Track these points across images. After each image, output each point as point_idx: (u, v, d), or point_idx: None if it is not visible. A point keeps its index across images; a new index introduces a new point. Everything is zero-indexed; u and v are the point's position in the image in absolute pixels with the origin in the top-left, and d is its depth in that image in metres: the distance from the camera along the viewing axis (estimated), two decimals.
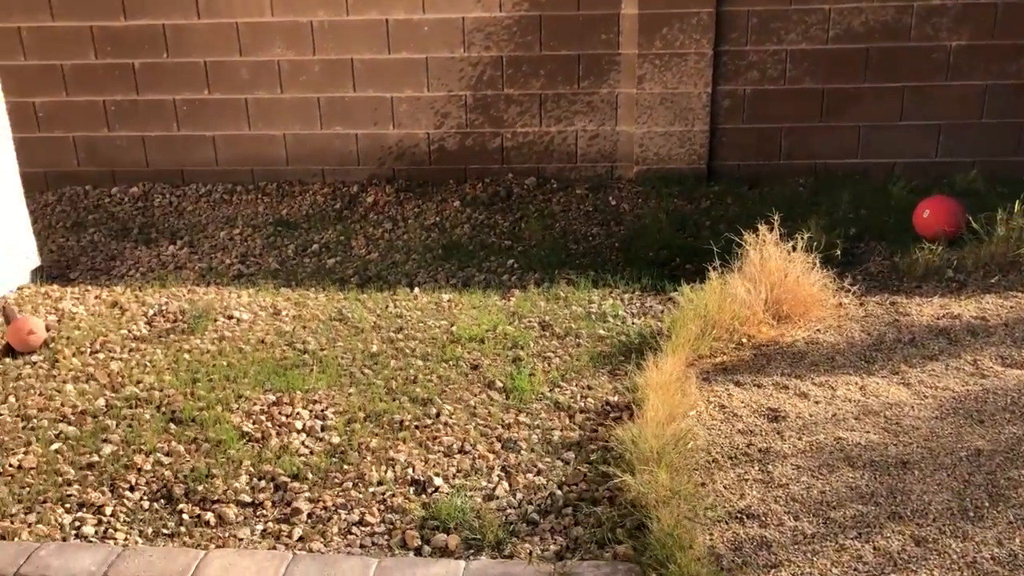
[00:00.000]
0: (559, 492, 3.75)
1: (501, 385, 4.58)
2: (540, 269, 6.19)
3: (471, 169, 7.72)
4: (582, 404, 4.42)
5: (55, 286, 6.07)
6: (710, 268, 5.84)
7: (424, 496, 3.77)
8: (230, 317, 5.46)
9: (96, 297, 5.86)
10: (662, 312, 5.49)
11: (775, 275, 5.33)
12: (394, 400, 4.46)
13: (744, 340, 5.04)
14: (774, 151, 7.62)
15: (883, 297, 5.49)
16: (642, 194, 7.33)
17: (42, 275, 6.26)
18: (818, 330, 5.13)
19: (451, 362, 4.83)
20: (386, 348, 5.00)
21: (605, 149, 7.62)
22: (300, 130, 7.71)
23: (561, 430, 4.21)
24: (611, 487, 3.74)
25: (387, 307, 5.61)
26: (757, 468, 3.89)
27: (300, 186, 7.75)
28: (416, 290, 5.89)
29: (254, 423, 4.29)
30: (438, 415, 4.32)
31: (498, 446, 4.08)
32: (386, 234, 6.94)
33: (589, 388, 4.59)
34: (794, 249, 5.46)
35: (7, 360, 4.92)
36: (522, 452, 4.04)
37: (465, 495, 3.73)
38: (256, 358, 4.90)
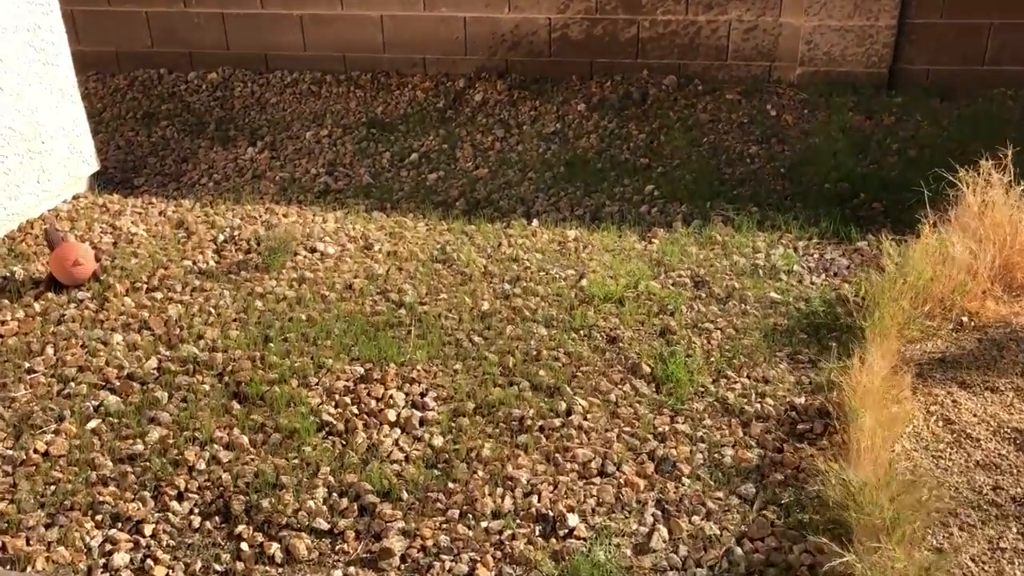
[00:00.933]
0: (739, 550, 2.75)
1: (648, 371, 3.54)
2: (687, 199, 5.02)
3: (598, 64, 6.48)
4: (758, 407, 3.35)
5: (116, 196, 5.21)
6: (911, 211, 4.61)
7: (554, 541, 2.81)
8: (313, 250, 4.51)
9: (160, 213, 4.98)
10: (848, 269, 4.31)
11: (1003, 231, 4.07)
12: (512, 385, 3.48)
13: (964, 319, 3.85)
14: (976, 54, 6.12)
15: None
16: (808, 104, 5.99)
17: (103, 181, 5.41)
18: None
19: (582, 332, 3.80)
20: (500, 306, 3.99)
21: (763, 45, 6.25)
22: (399, 11, 6.55)
23: (734, 446, 3.17)
24: (811, 548, 2.72)
25: (499, 245, 4.57)
26: (1015, 529, 2.80)
27: (398, 78, 6.65)
28: (534, 222, 4.82)
29: (336, 407, 3.39)
30: (569, 413, 3.32)
31: (650, 468, 3.08)
32: (497, 143, 5.83)
33: (765, 381, 3.51)
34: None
35: (50, 296, 4.10)
36: (683, 480, 3.03)
37: (610, 544, 2.77)
38: (342, 311, 3.96)
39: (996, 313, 3.85)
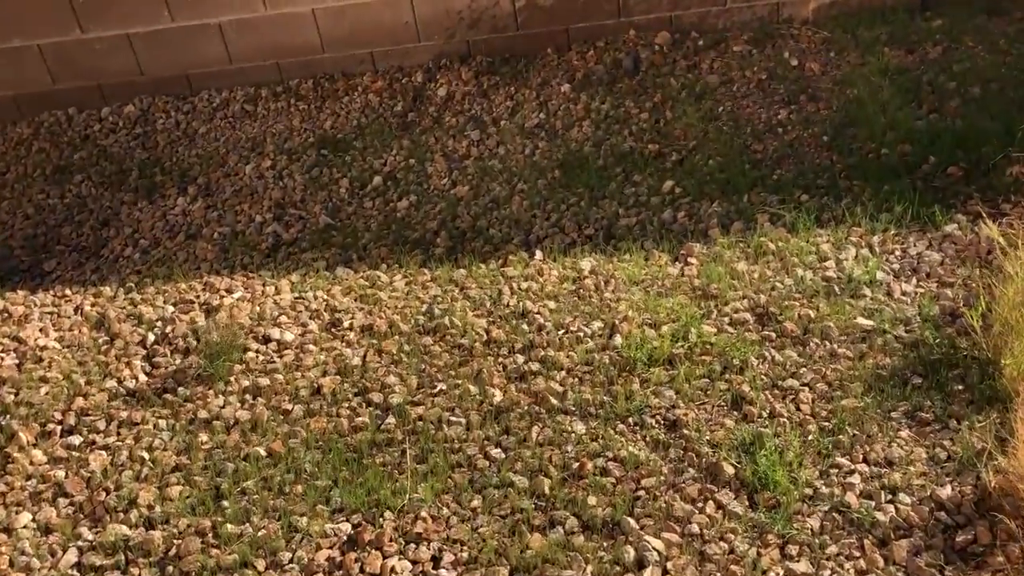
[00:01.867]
0: None
1: (733, 473, 2.63)
2: (718, 195, 4.06)
3: (576, 31, 5.46)
4: (893, 512, 2.45)
5: (21, 294, 4.22)
6: (998, 172, 3.68)
7: None
8: (266, 340, 3.56)
9: (77, 310, 4.01)
10: (943, 267, 3.38)
11: None
12: (554, 527, 2.56)
13: None
14: None
15: None
16: (832, 44, 4.99)
17: (7, 270, 4.43)
18: None
19: (631, 420, 2.88)
20: (516, 394, 3.06)
21: None
22: (333, 0, 5.51)
23: None
24: None
25: (499, 295, 3.62)
26: None
27: (344, 81, 5.62)
28: (537, 254, 3.87)
29: None
30: (641, 566, 2.40)
31: None
32: (473, 148, 4.84)
33: (889, 464, 2.61)
34: None
35: None
36: None
37: None
38: (312, 433, 3.02)
39: None
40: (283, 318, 3.67)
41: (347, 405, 3.13)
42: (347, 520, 2.68)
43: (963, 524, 2.39)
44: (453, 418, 2.99)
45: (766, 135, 4.41)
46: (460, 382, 3.14)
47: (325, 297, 3.79)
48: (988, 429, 2.62)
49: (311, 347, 3.46)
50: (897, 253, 3.49)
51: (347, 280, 3.91)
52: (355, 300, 3.74)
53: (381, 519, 2.65)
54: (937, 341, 2.97)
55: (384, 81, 5.53)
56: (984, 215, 3.51)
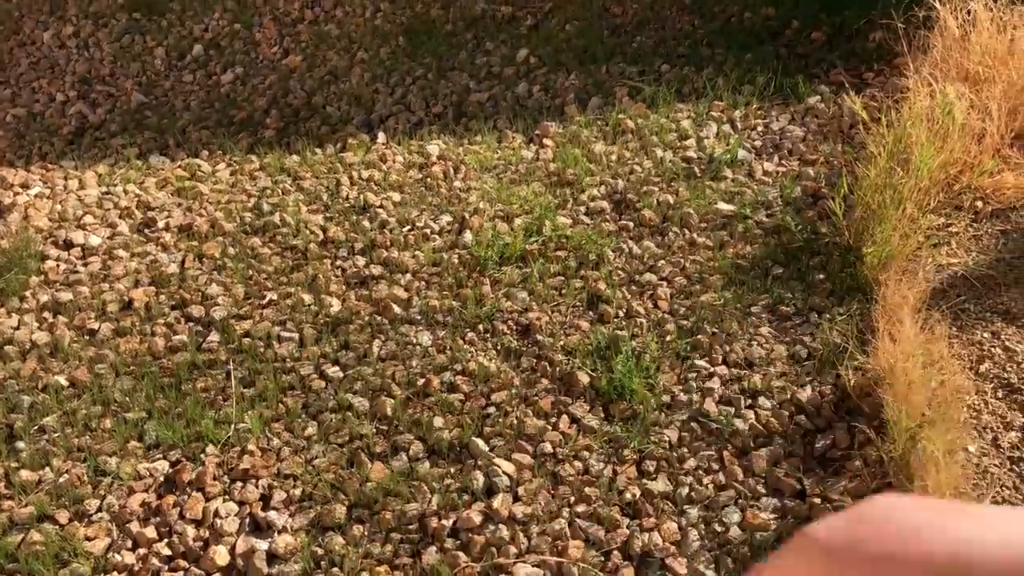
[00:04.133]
0: None
1: (588, 382, 2.44)
2: (575, 65, 3.75)
3: None
4: (753, 419, 2.33)
5: None
6: (861, 37, 3.52)
7: None
8: (68, 245, 3.11)
9: None
10: (805, 143, 3.22)
11: (1005, 65, 3.03)
12: (397, 452, 2.33)
13: (979, 203, 2.87)
14: None
15: None
16: None
17: None
18: None
19: (481, 327, 2.64)
20: (356, 301, 2.76)
21: None
22: None
23: (737, 502, 2.16)
24: None
25: (338, 185, 3.26)
26: None
27: None
28: (380, 136, 3.49)
29: (134, 548, 2.19)
30: (490, 492, 2.22)
31: None
32: (307, 10, 4.33)
33: (749, 365, 2.48)
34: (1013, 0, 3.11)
35: None
36: None
37: None
38: (123, 355, 2.66)
39: (1017, 188, 2.87)
40: (88, 218, 3.21)
41: (162, 321, 2.76)
42: (164, 458, 2.38)
43: (823, 428, 2.29)
44: (285, 333, 2.68)
45: None
46: (293, 290, 2.81)
47: (137, 191, 3.33)
48: (849, 323, 2.52)
49: (121, 253, 3.03)
50: (759, 128, 3.30)
51: (163, 170, 3.45)
52: (172, 195, 3.30)
53: (203, 455, 2.36)
54: (798, 227, 2.83)
55: None
56: (847, 85, 3.34)
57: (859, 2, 3.71)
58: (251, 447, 2.36)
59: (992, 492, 2.07)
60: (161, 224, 3.14)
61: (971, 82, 3.03)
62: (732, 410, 2.34)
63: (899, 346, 2.26)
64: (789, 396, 2.37)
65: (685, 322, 2.61)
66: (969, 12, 3.15)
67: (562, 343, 2.57)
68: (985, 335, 2.49)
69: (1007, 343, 2.45)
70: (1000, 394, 2.33)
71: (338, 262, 2.92)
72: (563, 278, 2.77)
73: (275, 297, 2.80)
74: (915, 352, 2.21)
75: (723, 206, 2.98)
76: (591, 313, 2.68)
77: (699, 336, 2.55)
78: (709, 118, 3.35)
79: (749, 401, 2.37)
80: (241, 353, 2.63)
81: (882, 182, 2.70)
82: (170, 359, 2.63)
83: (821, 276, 2.69)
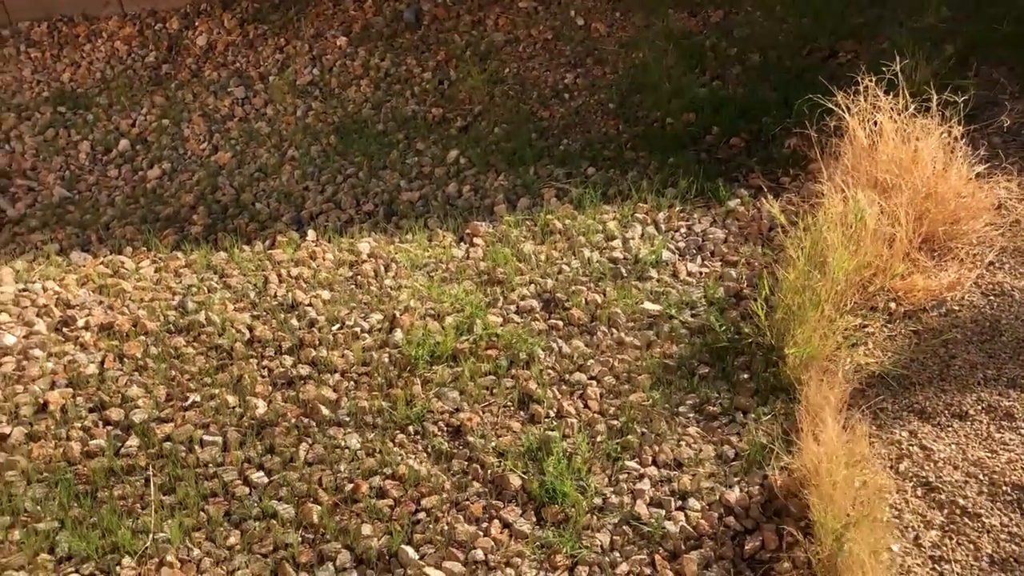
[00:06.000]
0: None
1: (519, 485, 2.43)
2: (504, 166, 3.84)
3: None
4: (683, 521, 2.34)
5: None
6: (777, 144, 3.70)
7: None
8: None
9: None
10: (727, 244, 3.34)
11: (910, 174, 3.21)
12: (323, 563, 2.26)
13: (892, 304, 2.99)
14: None
15: None
16: (619, 4, 4.86)
17: None
18: (991, 265, 3.12)
19: (412, 428, 2.62)
20: (282, 403, 2.71)
21: None
22: None
23: None
24: None
25: (266, 283, 3.23)
26: None
27: (86, 26, 4.90)
28: (310, 234, 3.49)
29: None
30: None
31: None
32: (238, 107, 4.35)
33: (679, 466, 2.50)
34: (915, 111, 3.32)
35: None
36: None
37: None
38: (35, 463, 2.55)
39: (927, 290, 3.01)
40: (3, 316, 3.10)
41: (79, 425, 2.67)
42: (76, 571, 2.27)
43: (751, 529, 2.32)
44: (208, 436, 2.61)
45: (553, 101, 4.21)
46: (217, 392, 2.75)
47: (57, 289, 3.24)
48: (774, 423, 2.57)
49: (37, 353, 2.93)
50: (683, 230, 3.40)
51: (84, 267, 3.37)
52: (93, 292, 3.23)
53: (118, 567, 2.26)
54: (723, 327, 2.90)
55: (134, 27, 4.87)
56: (765, 189, 3.49)
57: (775, 110, 3.90)
58: (170, 558, 2.27)
59: None
60: (81, 323, 3.06)
61: (880, 189, 3.19)
62: (663, 512, 2.35)
63: (823, 447, 2.31)
64: (718, 497, 2.39)
65: (615, 422, 2.63)
66: (876, 123, 3.34)
67: (493, 444, 2.55)
68: (903, 434, 2.56)
69: (923, 442, 2.53)
70: (919, 492, 2.40)
71: (265, 362, 2.87)
72: (494, 377, 2.78)
73: (198, 399, 2.73)
74: (838, 452, 2.26)
75: (649, 306, 3.04)
76: (522, 413, 2.68)
77: (629, 437, 2.57)
78: (634, 219, 3.44)
79: (679, 503, 2.39)
80: (161, 458, 2.55)
81: (801, 284, 2.80)
82: (86, 465, 2.53)
83: (746, 376, 2.76)
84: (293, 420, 2.64)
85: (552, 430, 2.58)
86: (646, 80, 4.25)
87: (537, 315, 3.03)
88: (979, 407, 2.61)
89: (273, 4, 4.97)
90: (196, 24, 4.87)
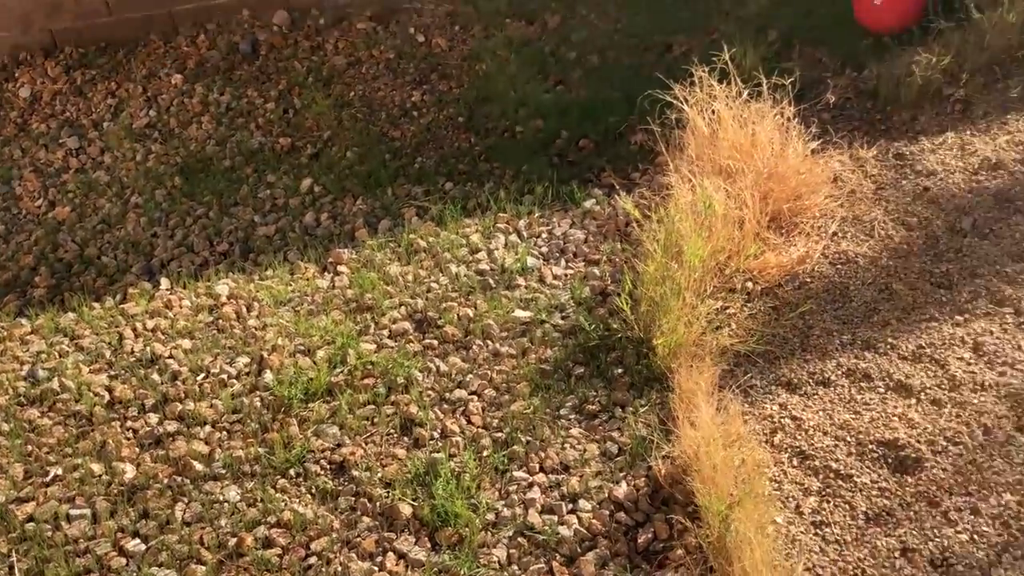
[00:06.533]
0: None
1: (411, 513, 2.39)
2: (360, 190, 3.79)
3: (182, 13, 4.87)
4: (576, 524, 2.36)
5: None
6: (624, 141, 3.80)
7: None
8: None
9: None
10: (588, 244, 3.40)
11: (751, 156, 3.35)
12: None
13: (749, 284, 3.11)
14: None
15: (880, 149, 3.68)
16: (456, 18, 4.88)
17: None
18: (835, 235, 3.29)
19: (293, 471, 2.54)
20: (152, 464, 2.58)
21: None
22: None
23: None
24: None
25: (120, 340, 3.08)
26: None
27: None
28: (163, 283, 3.35)
29: None
30: None
31: None
32: (72, 158, 4.15)
33: (566, 470, 2.52)
34: (749, 96, 3.47)
35: None
36: None
37: None
38: None
39: (779, 267, 3.14)
40: None
41: None
42: None
43: (642, 522, 2.36)
44: (74, 510, 2.46)
45: (402, 120, 4.19)
46: (80, 461, 2.60)
47: None
48: (651, 413, 2.63)
49: None
50: (544, 235, 3.44)
51: None
52: None
53: None
54: (592, 326, 2.95)
55: None
56: (617, 187, 3.57)
57: (618, 109, 4.00)
58: None
59: (803, 560, 2.19)
60: None
61: (725, 175, 3.31)
62: (555, 518, 2.36)
63: (699, 431, 2.37)
64: (607, 495, 2.42)
65: (499, 434, 2.63)
66: (714, 112, 3.46)
67: (380, 475, 2.51)
68: (774, 407, 2.66)
69: (793, 412, 2.63)
70: (795, 462, 2.50)
71: (128, 423, 2.73)
72: (373, 407, 2.73)
73: (60, 471, 2.57)
74: (714, 435, 2.33)
75: (520, 313, 3.06)
76: (406, 439, 2.64)
77: (514, 447, 2.57)
78: (496, 230, 3.46)
79: (570, 506, 2.41)
80: (25, 541, 2.39)
81: (661, 275, 2.88)
82: None
83: (620, 371, 2.81)
84: (165, 480, 2.52)
85: (438, 452, 2.56)
86: (492, 91, 4.29)
87: (411, 337, 3.00)
88: (839, 372, 2.74)
89: (99, 48, 4.76)
90: (17, 75, 4.62)
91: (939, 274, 3.03)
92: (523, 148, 3.92)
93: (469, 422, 2.68)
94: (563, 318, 3.04)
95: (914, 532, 2.25)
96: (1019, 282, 2.93)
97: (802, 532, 2.28)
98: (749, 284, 3.10)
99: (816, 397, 2.68)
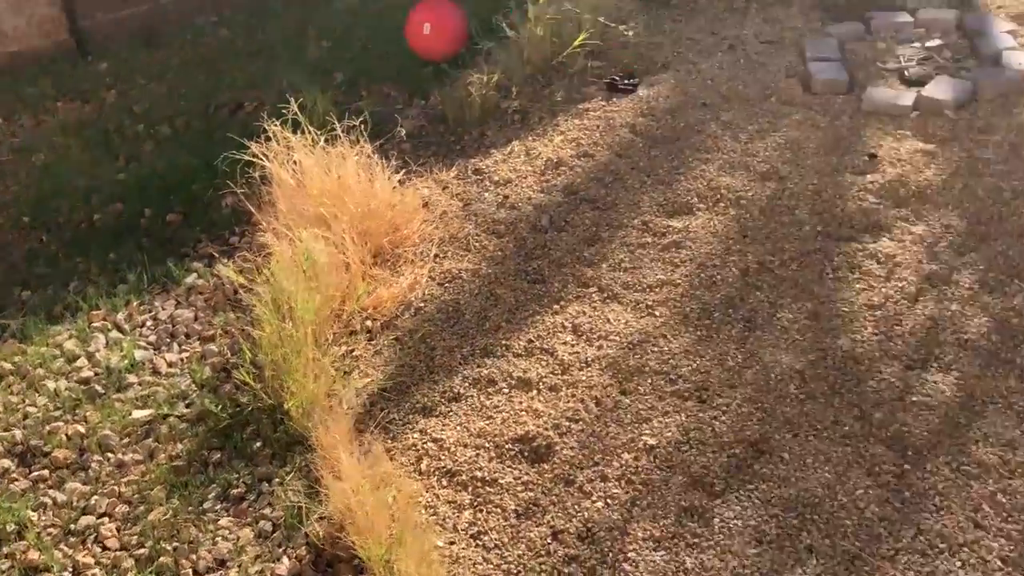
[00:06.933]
0: None
1: None
2: None
3: None
4: None
5: None
6: (216, 208, 3.70)
7: None
8: None
9: None
10: (199, 321, 3.26)
11: (340, 198, 3.43)
12: None
13: (369, 323, 3.18)
14: None
15: (459, 168, 3.95)
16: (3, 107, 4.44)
17: None
18: (437, 257, 3.47)
19: None
20: None
21: None
22: None
23: None
24: None
25: None
26: None
27: None
28: None
29: None
30: None
31: None
32: None
33: (222, 565, 2.39)
34: (327, 141, 3.57)
35: None
36: None
37: None
38: None
39: (392, 299, 3.24)
40: None
41: None
42: None
43: None
44: None
45: None
46: None
47: None
48: (298, 478, 2.58)
49: None
50: (149, 323, 3.24)
51: None
52: None
53: None
54: (220, 407, 2.82)
55: None
56: (217, 255, 3.45)
57: (200, 176, 3.87)
58: None
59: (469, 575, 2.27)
60: None
61: (320, 222, 3.33)
62: None
63: (347, 482, 2.36)
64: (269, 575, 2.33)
65: (142, 551, 2.42)
66: (296, 162, 3.47)
67: None
68: (415, 435, 2.73)
69: (434, 435, 2.72)
70: (444, 482, 2.58)
71: None
72: None
73: None
74: (361, 482, 2.34)
75: (139, 414, 2.85)
76: None
77: (161, 559, 2.39)
78: (93, 330, 3.18)
79: None
80: None
81: (277, 338, 2.83)
82: None
83: (258, 444, 2.72)
84: None
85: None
86: (57, 182, 3.95)
87: (15, 474, 2.66)
88: (467, 384, 2.88)
89: None
90: None
91: (532, 271, 3.30)
92: (106, 236, 3.66)
93: (104, 548, 2.44)
94: (188, 406, 2.88)
95: (559, 514, 2.44)
96: (595, 263, 3.28)
97: (463, 548, 2.37)
98: (368, 322, 3.16)
99: (451, 414, 2.79)
